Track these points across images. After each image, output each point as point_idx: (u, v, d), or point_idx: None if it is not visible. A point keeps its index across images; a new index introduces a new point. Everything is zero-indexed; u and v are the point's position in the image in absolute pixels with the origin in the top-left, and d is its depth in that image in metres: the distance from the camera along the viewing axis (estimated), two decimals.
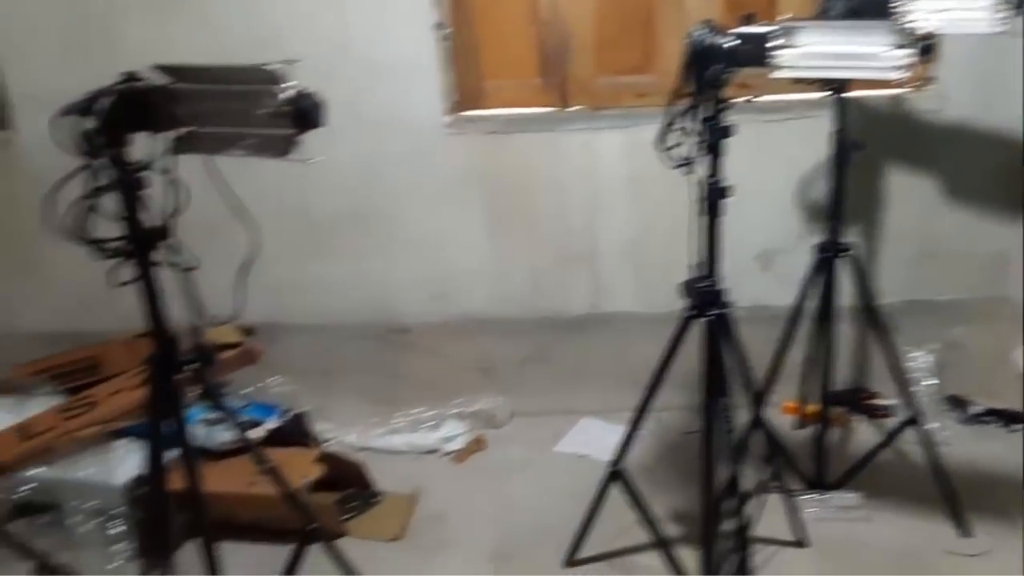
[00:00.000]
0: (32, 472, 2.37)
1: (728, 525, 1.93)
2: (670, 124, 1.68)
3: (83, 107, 1.33)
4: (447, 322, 2.93)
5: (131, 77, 1.37)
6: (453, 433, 2.88)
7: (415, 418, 2.93)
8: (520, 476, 2.66)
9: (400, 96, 2.70)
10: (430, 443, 2.84)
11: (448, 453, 2.82)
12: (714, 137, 1.65)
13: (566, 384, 2.98)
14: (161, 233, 1.45)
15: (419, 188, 2.80)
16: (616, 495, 2.12)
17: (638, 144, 2.67)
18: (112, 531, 2.29)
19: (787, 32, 1.53)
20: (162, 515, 1.68)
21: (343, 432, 2.89)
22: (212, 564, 1.80)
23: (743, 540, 1.81)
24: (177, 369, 1.62)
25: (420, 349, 2.97)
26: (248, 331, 2.69)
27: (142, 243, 1.45)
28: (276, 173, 2.62)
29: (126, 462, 2.40)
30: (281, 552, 2.21)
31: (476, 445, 2.85)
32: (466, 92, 2.77)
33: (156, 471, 1.67)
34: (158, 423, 1.66)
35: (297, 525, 2.22)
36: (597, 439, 2.79)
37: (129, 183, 1.38)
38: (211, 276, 1.58)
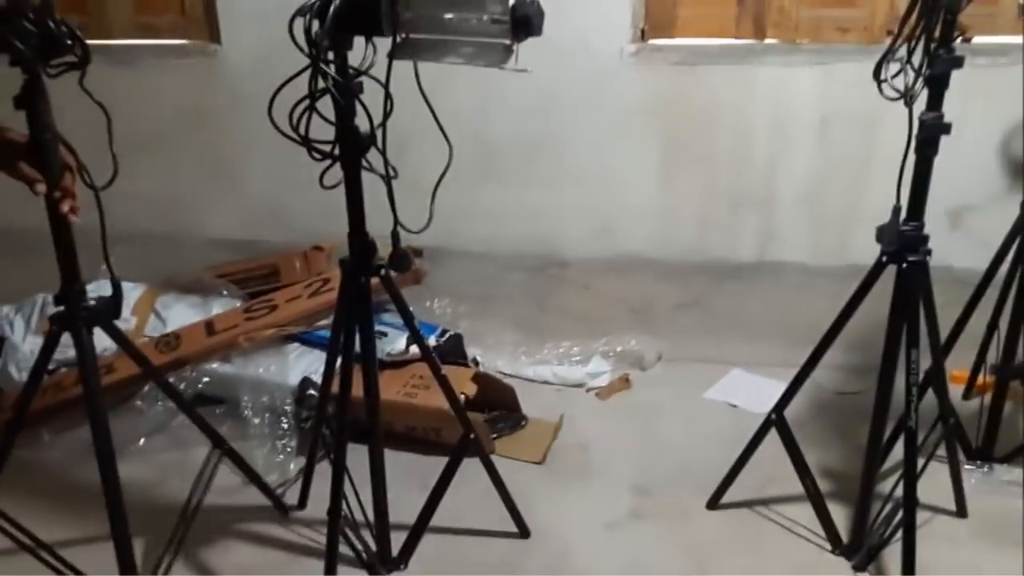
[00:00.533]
0: (213, 365, 2.58)
1: (885, 485, 1.87)
2: (892, 51, 1.59)
3: (317, 9, 1.37)
4: (606, 259, 2.93)
5: None
6: (599, 370, 2.90)
7: (564, 351, 2.98)
8: (665, 418, 2.66)
9: (588, 20, 2.66)
10: (576, 377, 2.88)
11: (593, 389, 2.85)
12: (942, 68, 1.56)
13: (720, 333, 2.93)
14: (371, 139, 1.51)
15: (595, 119, 2.77)
16: (765, 446, 2.10)
17: (833, 83, 2.57)
18: (280, 426, 2.48)
19: None
20: (340, 415, 1.78)
21: (493, 358, 2.97)
22: (377, 466, 1.91)
23: (912, 498, 1.74)
24: (372, 274, 1.69)
25: (576, 284, 3.00)
26: (417, 252, 2.80)
27: (353, 147, 1.50)
28: (455, 96, 2.70)
29: (298, 364, 2.59)
30: (429, 462, 2.35)
31: (621, 384, 2.87)
32: (656, 19, 2.71)
33: (345, 372, 1.75)
34: (348, 325, 1.74)
35: (446, 439, 2.34)
36: (748, 391, 2.75)
37: (348, 87, 1.43)
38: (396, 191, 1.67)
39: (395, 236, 1.63)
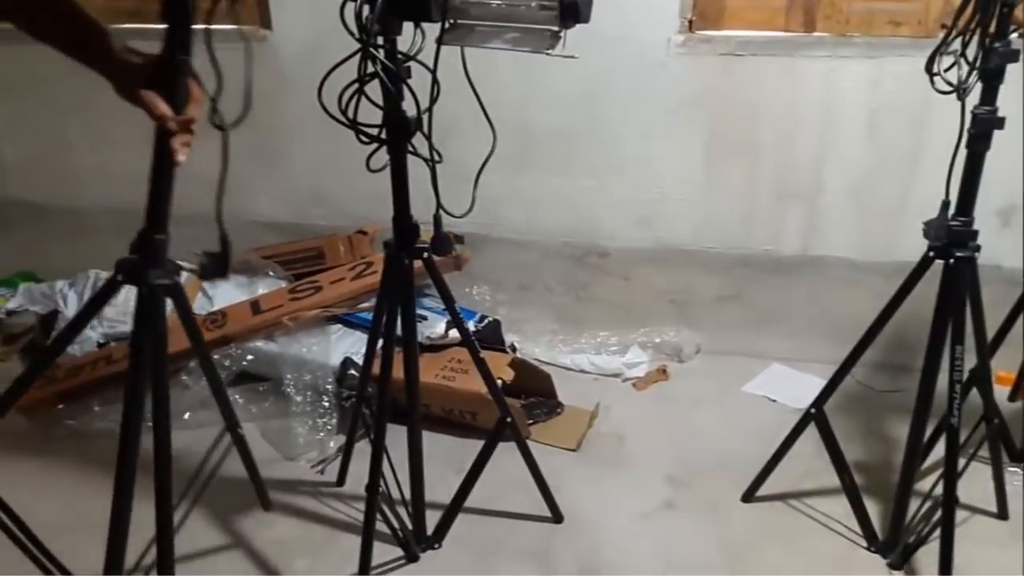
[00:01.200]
0: (258, 343, 2.64)
1: (924, 484, 1.86)
2: (946, 44, 1.57)
3: None
4: (647, 249, 2.92)
5: None
6: (637, 360, 2.91)
7: (601, 341, 2.99)
8: (702, 410, 2.66)
9: (636, 10, 2.64)
10: (613, 367, 2.89)
11: (630, 379, 2.86)
12: (997, 62, 1.54)
13: (760, 327, 2.92)
14: (417, 124, 1.53)
15: (640, 109, 2.76)
16: (801, 441, 2.09)
17: (884, 77, 2.52)
18: (321, 404, 2.53)
19: None
20: (381, 395, 1.81)
21: (531, 345, 3.00)
22: (415, 447, 1.94)
23: (952, 496, 1.73)
24: (414, 256, 1.71)
25: (615, 274, 2.99)
26: (458, 238, 2.83)
27: (400, 131, 1.53)
28: (500, 83, 2.71)
29: (340, 345, 2.64)
30: (466, 445, 2.37)
31: (659, 375, 2.87)
32: (705, 10, 2.68)
33: (386, 353, 1.77)
34: (390, 305, 1.76)
35: (482, 423, 2.37)
36: (787, 386, 2.74)
37: (397, 72, 1.45)
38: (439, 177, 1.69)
39: (437, 220, 1.65)
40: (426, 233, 1.75)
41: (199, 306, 2.85)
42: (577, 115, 2.80)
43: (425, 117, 1.51)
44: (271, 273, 2.85)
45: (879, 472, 2.27)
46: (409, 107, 1.56)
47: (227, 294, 2.84)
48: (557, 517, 2.14)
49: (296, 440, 2.46)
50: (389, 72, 1.44)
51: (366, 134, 1.52)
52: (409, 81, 1.51)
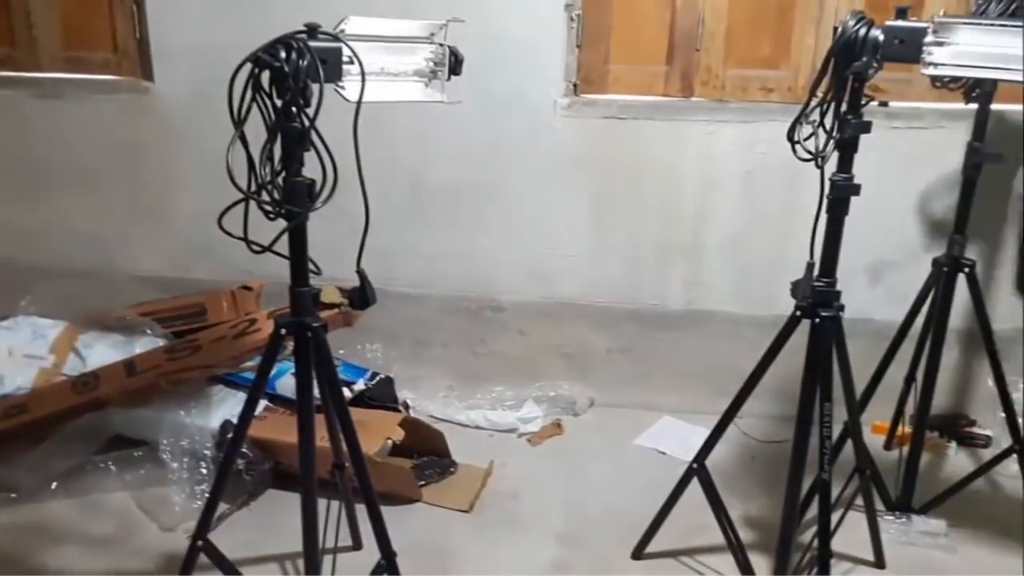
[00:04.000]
0: (133, 407, 2.51)
1: (806, 535, 1.89)
2: (805, 115, 1.64)
3: (269, 57, 1.37)
4: (540, 304, 2.95)
5: (312, 30, 1.41)
6: (532, 415, 2.90)
7: (497, 396, 2.97)
8: (595, 464, 2.67)
9: (521, 74, 2.72)
10: (508, 422, 2.87)
11: (525, 434, 2.84)
12: (850, 132, 1.61)
13: (651, 380, 2.96)
14: (313, 189, 1.49)
15: (529, 167, 2.81)
16: (690, 494, 2.10)
17: (757, 140, 2.65)
18: (199, 471, 2.41)
19: (944, 28, 1.49)
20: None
21: (425, 402, 2.95)
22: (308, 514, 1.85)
23: (826, 550, 1.77)
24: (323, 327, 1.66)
25: (510, 328, 3.00)
26: (348, 293, 2.77)
27: (298, 196, 1.48)
28: (392, 139, 2.71)
29: (221, 407, 2.53)
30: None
31: (554, 429, 2.87)
32: (588, 75, 2.77)
33: (305, 430, 1.71)
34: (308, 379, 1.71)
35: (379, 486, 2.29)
36: (677, 438, 2.78)
37: (302, 135, 1.42)
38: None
39: (361, 273, 1.64)
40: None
41: (71, 367, 2.70)
42: (468, 170, 2.83)
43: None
44: (149, 332, 2.72)
45: (769, 524, 2.30)
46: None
47: (102, 354, 2.70)
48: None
49: (173, 509, 2.33)
50: (296, 137, 1.41)
51: (270, 204, 1.47)
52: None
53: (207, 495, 2.35)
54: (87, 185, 3.07)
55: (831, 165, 1.68)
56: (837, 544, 1.92)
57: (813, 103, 1.64)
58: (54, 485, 2.43)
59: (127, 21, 2.92)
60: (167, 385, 2.48)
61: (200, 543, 1.83)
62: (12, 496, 2.40)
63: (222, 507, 2.28)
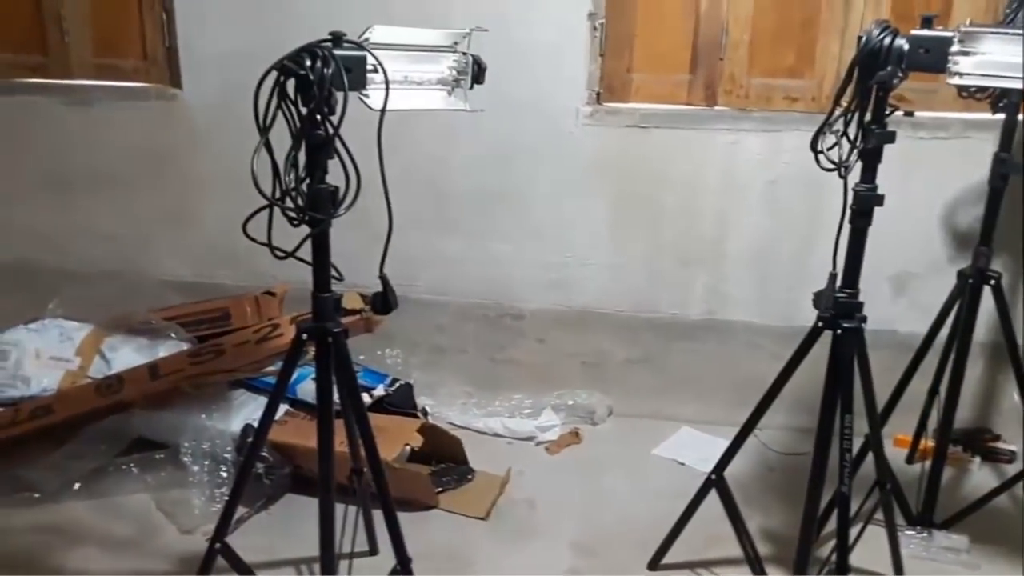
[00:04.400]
0: (156, 409, 2.54)
1: (825, 548, 1.88)
2: (829, 125, 1.64)
3: (295, 65, 1.39)
4: (560, 312, 2.95)
5: (337, 38, 1.43)
6: (550, 423, 2.90)
7: (515, 404, 2.97)
8: (613, 474, 2.66)
9: (544, 82, 2.73)
10: (526, 430, 2.87)
11: (543, 442, 2.84)
12: (874, 142, 1.60)
13: (670, 390, 2.95)
14: (336, 196, 1.50)
15: (550, 175, 2.82)
16: (708, 506, 2.09)
17: (780, 150, 2.64)
18: (219, 474, 2.43)
19: (970, 37, 1.48)
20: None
21: (444, 408, 2.96)
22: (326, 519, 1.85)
23: (845, 564, 1.75)
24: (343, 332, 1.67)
25: (529, 336, 3.00)
26: (370, 299, 2.78)
27: (322, 203, 1.50)
28: (414, 147, 2.73)
29: (242, 411, 2.55)
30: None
31: (572, 438, 2.86)
32: (611, 83, 2.77)
33: (324, 435, 1.72)
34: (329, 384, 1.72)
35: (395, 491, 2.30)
36: (696, 449, 2.76)
37: (327, 143, 1.44)
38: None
39: (384, 279, 1.63)
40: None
41: (96, 369, 2.74)
42: (490, 177, 2.85)
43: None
44: (173, 335, 2.75)
45: (787, 537, 2.28)
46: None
47: (127, 358, 2.73)
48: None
49: (192, 512, 2.35)
50: (322, 143, 1.42)
51: (294, 211, 1.48)
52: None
53: (226, 498, 2.36)
54: (115, 190, 3.11)
55: (855, 175, 1.67)
56: (856, 559, 1.91)
57: (837, 112, 1.63)
58: (76, 486, 2.46)
59: (157, 29, 2.97)
60: (190, 389, 2.51)
61: (218, 546, 1.84)
62: (35, 496, 2.43)
63: (241, 510, 2.30)
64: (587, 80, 2.72)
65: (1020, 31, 1.52)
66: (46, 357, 2.74)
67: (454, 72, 1.65)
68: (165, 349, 2.73)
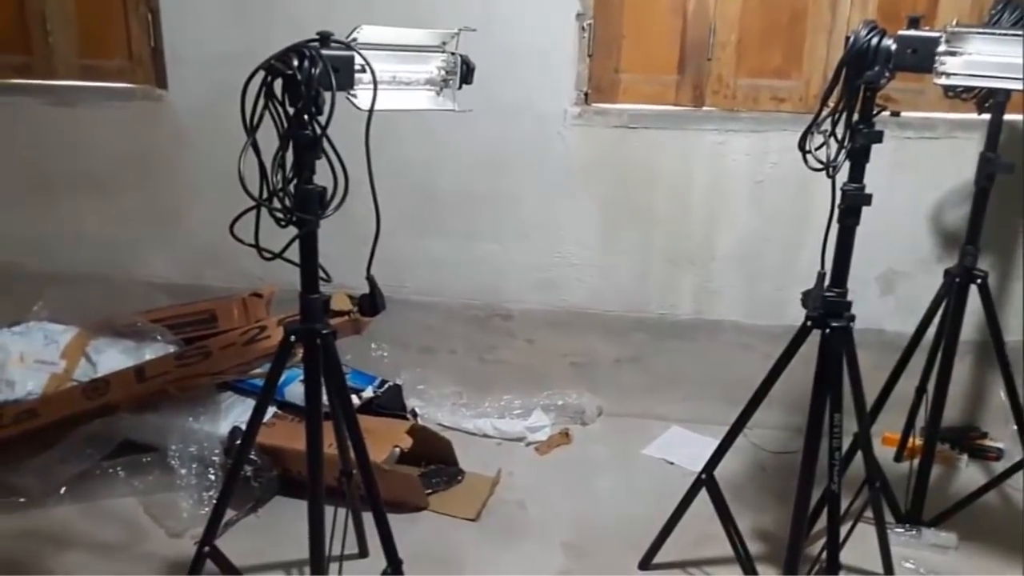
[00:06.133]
0: (143, 412, 2.52)
1: (815, 547, 1.88)
2: (817, 125, 1.64)
3: (282, 65, 1.37)
4: (549, 312, 2.95)
5: (324, 38, 1.42)
6: (540, 424, 2.90)
7: (505, 404, 2.97)
8: (603, 474, 2.66)
9: (533, 83, 2.73)
10: (516, 431, 2.87)
11: (533, 443, 2.84)
12: (862, 142, 1.61)
13: (660, 389, 2.95)
14: (324, 197, 1.49)
15: (539, 175, 2.82)
16: (699, 505, 2.10)
17: (768, 150, 2.65)
18: (207, 477, 2.41)
19: (956, 38, 1.48)
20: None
21: (434, 409, 2.95)
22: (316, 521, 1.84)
23: (835, 562, 1.75)
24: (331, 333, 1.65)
25: (518, 336, 3.00)
26: (358, 300, 2.77)
27: (309, 204, 1.49)
28: (403, 149, 2.72)
29: (229, 414, 2.54)
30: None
31: (562, 439, 2.86)
32: (599, 84, 2.77)
33: (313, 437, 1.71)
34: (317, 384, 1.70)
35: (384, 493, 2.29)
36: (686, 448, 2.76)
37: (314, 143, 1.43)
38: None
39: (371, 280, 1.62)
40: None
41: (82, 372, 2.72)
42: (479, 178, 2.84)
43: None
44: (159, 338, 2.73)
45: (775, 536, 2.29)
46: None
47: (113, 360, 2.71)
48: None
49: (180, 515, 2.34)
50: (310, 144, 1.41)
51: (282, 216, 1.47)
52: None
53: (215, 501, 2.34)
54: (100, 191, 3.09)
55: (842, 175, 1.67)
56: (846, 556, 1.91)
57: (825, 113, 1.63)
58: (63, 490, 2.44)
59: (142, 29, 2.94)
60: (176, 391, 2.49)
61: (207, 549, 1.83)
62: (21, 501, 2.41)
63: (230, 513, 2.28)
64: (575, 80, 2.72)
65: (1006, 31, 1.53)
66: (31, 360, 2.72)
67: (442, 72, 1.64)
68: (151, 351, 2.71)
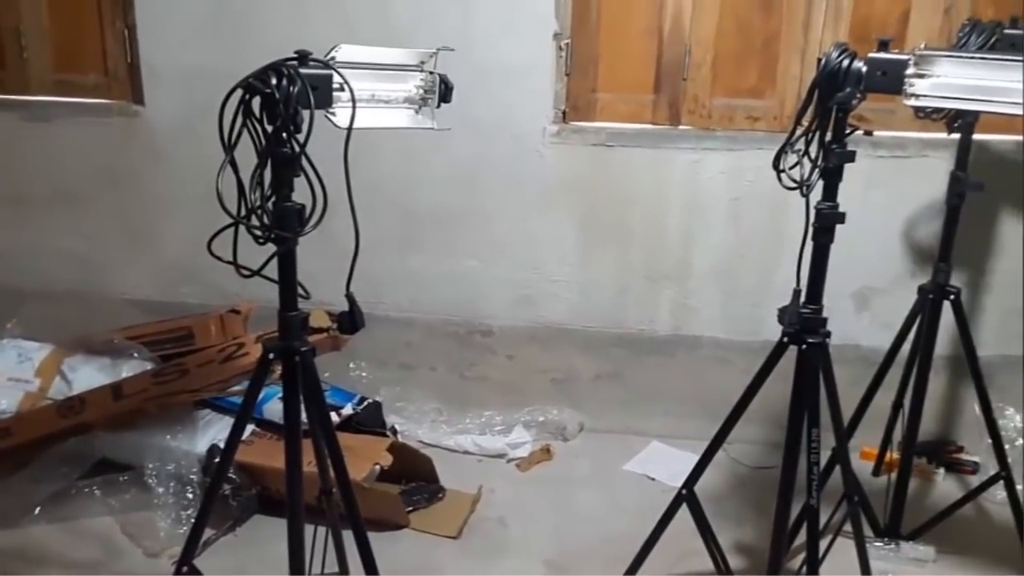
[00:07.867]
0: (119, 431, 2.49)
1: (795, 561, 1.89)
2: (790, 144, 1.66)
3: (260, 83, 1.37)
4: (528, 328, 2.96)
5: (303, 57, 1.42)
6: (520, 440, 2.89)
7: (485, 421, 2.96)
8: (584, 490, 2.66)
9: (511, 101, 2.75)
10: (497, 447, 2.86)
11: (514, 459, 2.83)
12: (835, 161, 1.63)
13: (640, 405, 2.96)
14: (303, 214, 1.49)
15: (517, 193, 2.83)
16: (680, 520, 2.09)
17: (743, 168, 2.69)
18: (185, 495, 2.39)
19: (925, 60, 1.51)
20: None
21: (414, 426, 2.94)
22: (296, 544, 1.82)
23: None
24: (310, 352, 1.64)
25: (498, 352, 3.00)
26: (337, 317, 2.76)
27: (288, 221, 1.49)
28: (381, 165, 2.73)
29: (207, 432, 2.52)
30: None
31: (543, 455, 2.86)
32: (576, 102, 2.80)
33: (292, 455, 1.70)
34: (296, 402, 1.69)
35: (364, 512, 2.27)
36: (666, 464, 2.77)
37: (292, 160, 1.43)
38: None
39: (351, 297, 1.61)
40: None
41: (56, 390, 2.68)
42: (458, 195, 2.85)
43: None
44: (135, 355, 2.70)
45: (755, 551, 2.30)
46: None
47: (88, 378, 2.68)
48: None
49: (158, 535, 2.31)
50: (288, 161, 1.41)
51: (259, 228, 1.47)
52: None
53: (193, 520, 2.32)
54: (75, 208, 3.06)
55: (816, 193, 1.69)
56: (825, 571, 1.92)
57: (798, 132, 1.66)
58: (37, 510, 2.40)
59: (119, 45, 2.93)
60: (153, 409, 2.47)
61: (185, 569, 1.81)
62: None
63: (208, 532, 2.25)
64: (553, 99, 2.75)
65: (973, 55, 1.56)
66: (4, 378, 2.69)
67: (421, 91, 1.65)
68: (128, 369, 2.68)
